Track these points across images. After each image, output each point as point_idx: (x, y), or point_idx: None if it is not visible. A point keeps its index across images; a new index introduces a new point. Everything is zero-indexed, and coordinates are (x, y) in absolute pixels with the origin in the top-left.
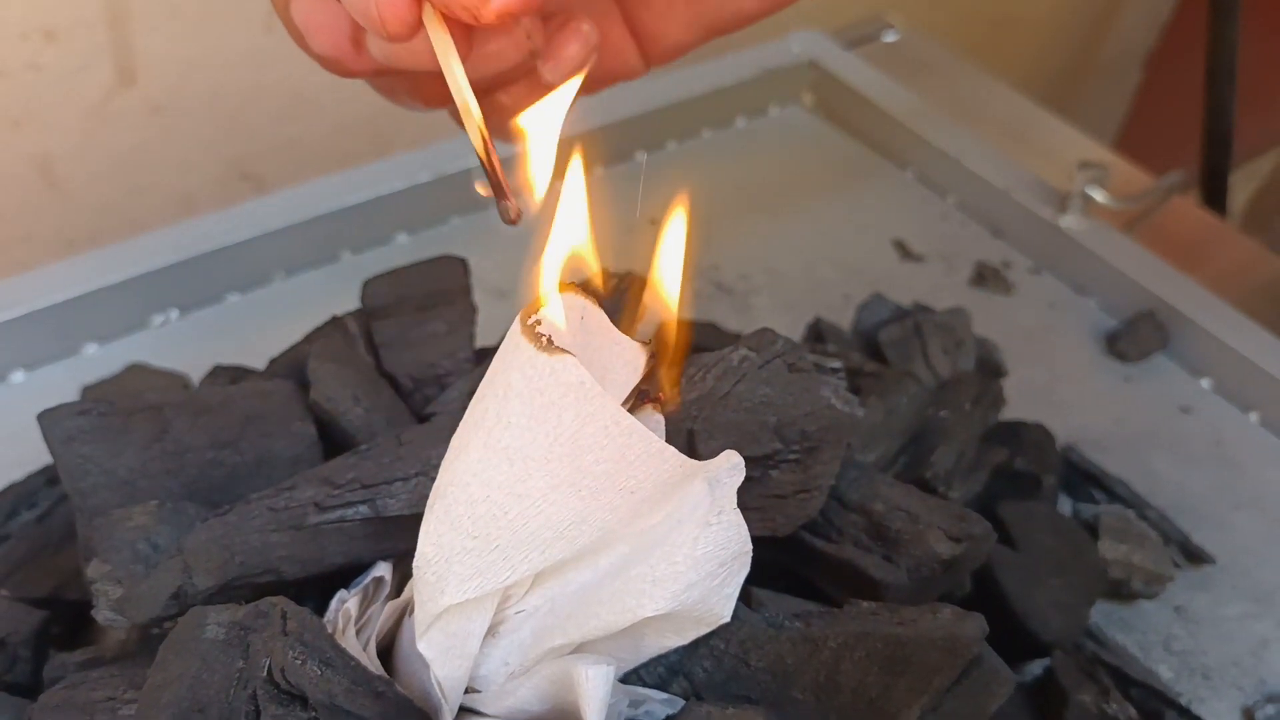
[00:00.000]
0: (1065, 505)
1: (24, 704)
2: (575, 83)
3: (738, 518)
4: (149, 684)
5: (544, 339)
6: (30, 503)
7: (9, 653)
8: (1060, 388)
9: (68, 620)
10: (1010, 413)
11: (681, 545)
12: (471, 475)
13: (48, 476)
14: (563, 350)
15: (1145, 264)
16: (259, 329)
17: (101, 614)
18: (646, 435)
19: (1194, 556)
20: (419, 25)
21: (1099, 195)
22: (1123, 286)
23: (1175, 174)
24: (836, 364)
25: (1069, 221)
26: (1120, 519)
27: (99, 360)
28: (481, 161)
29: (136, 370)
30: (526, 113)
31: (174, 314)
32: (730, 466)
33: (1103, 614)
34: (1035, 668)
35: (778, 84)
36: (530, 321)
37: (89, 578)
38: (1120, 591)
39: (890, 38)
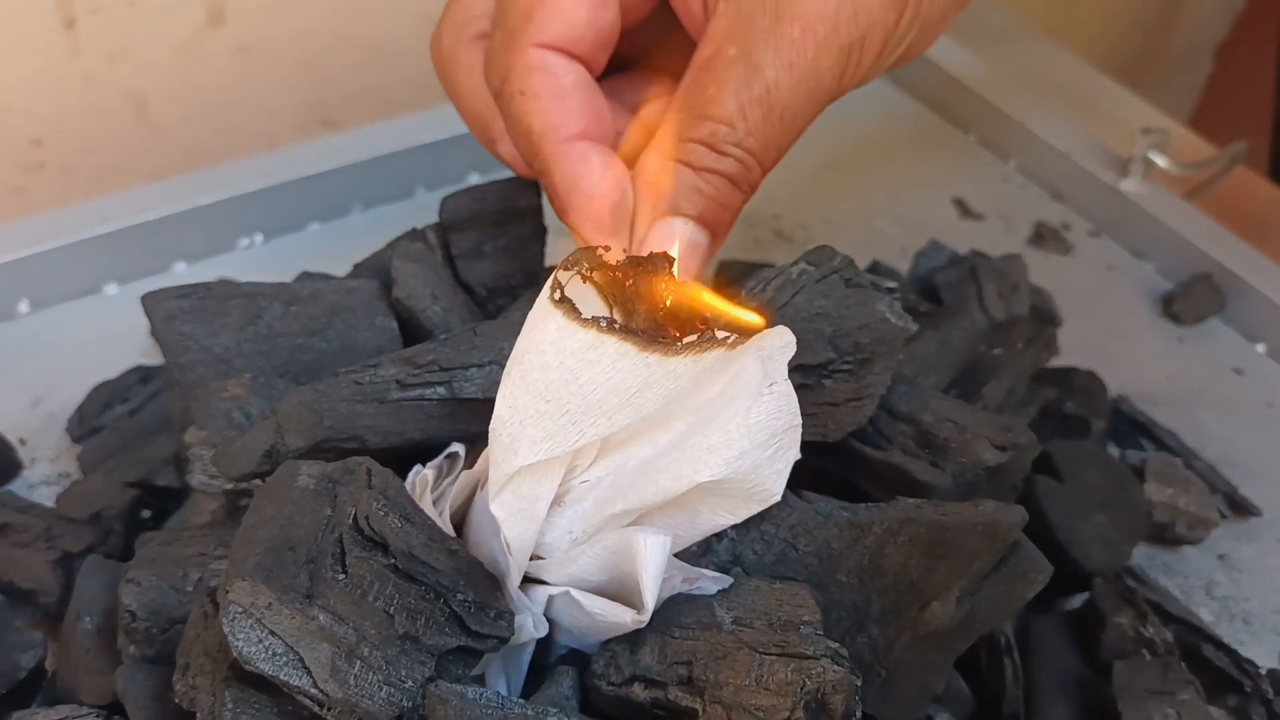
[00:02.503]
0: (1113, 452)
1: (118, 566)
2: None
3: (788, 389)
4: (243, 526)
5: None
6: (123, 398)
7: (103, 525)
8: (1113, 345)
9: (155, 506)
10: (1062, 366)
11: (735, 415)
12: (549, 343)
13: (140, 375)
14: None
15: (1205, 229)
16: (337, 257)
17: (196, 478)
18: None
19: (1240, 508)
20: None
21: (1160, 160)
22: (1182, 251)
23: (1238, 144)
24: (892, 284)
25: (1130, 185)
26: (1167, 464)
27: (187, 278)
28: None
29: (225, 284)
30: None
31: (258, 238)
32: (782, 344)
33: (1145, 557)
34: (1077, 601)
35: None
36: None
37: (185, 443)
38: (1164, 535)
39: None
